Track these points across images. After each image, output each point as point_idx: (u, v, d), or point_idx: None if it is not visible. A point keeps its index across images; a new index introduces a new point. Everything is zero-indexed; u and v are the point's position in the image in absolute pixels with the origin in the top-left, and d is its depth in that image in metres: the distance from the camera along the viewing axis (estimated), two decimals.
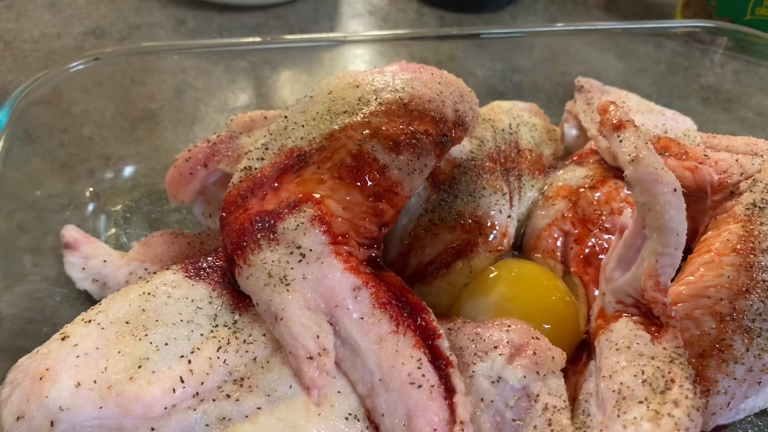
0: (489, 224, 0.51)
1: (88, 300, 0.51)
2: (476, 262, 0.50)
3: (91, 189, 0.57)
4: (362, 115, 0.46)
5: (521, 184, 0.54)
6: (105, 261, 0.51)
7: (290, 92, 0.74)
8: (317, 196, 0.43)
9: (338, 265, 0.41)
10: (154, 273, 0.50)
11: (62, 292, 0.51)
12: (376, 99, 0.48)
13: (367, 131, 0.45)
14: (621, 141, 0.43)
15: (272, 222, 0.42)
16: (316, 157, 0.45)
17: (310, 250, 0.41)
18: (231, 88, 0.72)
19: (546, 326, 0.46)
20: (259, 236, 0.42)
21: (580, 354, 0.48)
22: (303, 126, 0.47)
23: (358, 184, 0.44)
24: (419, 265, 0.50)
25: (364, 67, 0.78)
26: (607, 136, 0.45)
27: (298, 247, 0.41)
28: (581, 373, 0.46)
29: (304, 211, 0.42)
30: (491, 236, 0.51)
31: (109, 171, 0.60)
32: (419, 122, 0.47)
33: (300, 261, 0.41)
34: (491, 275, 0.49)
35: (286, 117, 0.48)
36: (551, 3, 0.91)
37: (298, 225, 0.41)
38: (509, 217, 0.52)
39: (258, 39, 0.70)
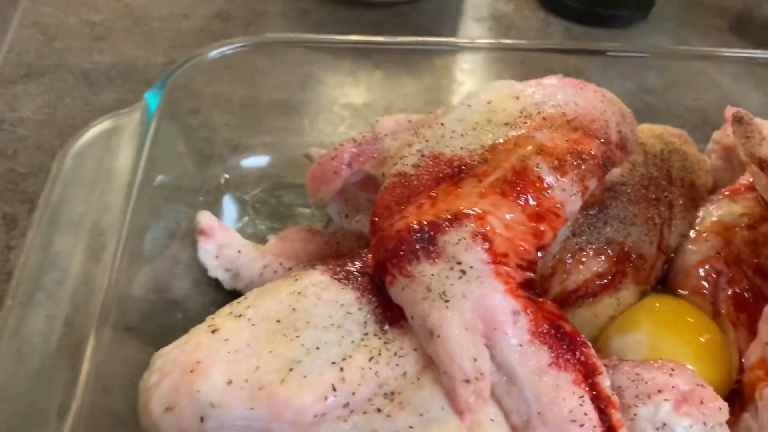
0: (639, 255, 0.48)
1: (217, 288, 0.51)
2: (623, 294, 0.47)
3: (227, 176, 0.57)
4: (525, 129, 0.45)
5: (672, 215, 0.51)
6: (240, 251, 0.50)
7: (413, 93, 0.73)
8: (479, 211, 0.41)
9: (498, 286, 0.39)
10: (289, 269, 0.49)
11: (192, 278, 0.51)
12: (538, 113, 0.46)
13: (531, 147, 0.43)
14: None
15: (432, 234, 0.40)
16: (477, 170, 0.43)
17: (471, 267, 0.39)
18: (355, 84, 0.71)
19: (698, 369, 0.43)
20: (418, 247, 0.40)
21: (730, 404, 0.45)
22: (462, 135, 0.45)
23: (521, 202, 0.42)
24: (562, 291, 0.48)
25: (489, 75, 0.76)
26: None
27: (459, 263, 0.39)
28: (733, 426, 0.43)
29: (466, 226, 0.40)
30: (640, 268, 0.48)
31: (238, 159, 0.60)
32: (584, 142, 0.45)
33: (460, 278, 0.39)
34: (641, 310, 0.47)
35: (442, 124, 0.47)
36: (682, 23, 0.88)
37: (459, 240, 0.40)
38: (659, 249, 0.50)
39: (383, 38, 0.69)
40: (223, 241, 0.51)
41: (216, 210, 0.54)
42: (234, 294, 0.50)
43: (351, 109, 0.69)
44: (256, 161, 0.60)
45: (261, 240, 0.53)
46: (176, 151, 0.52)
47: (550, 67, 0.75)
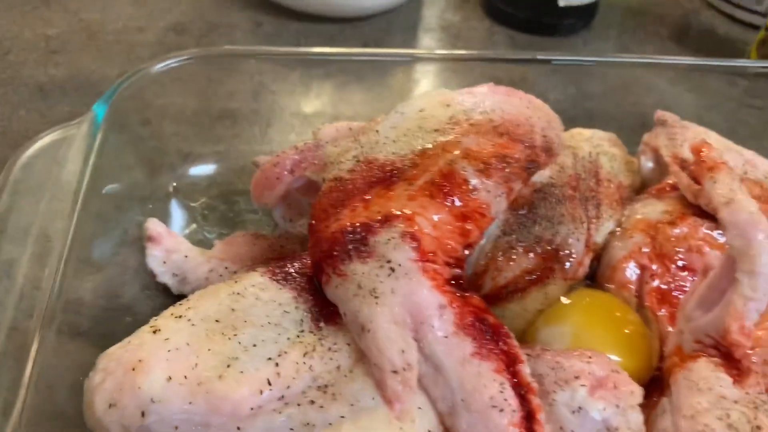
0: (566, 252, 0.51)
1: (165, 293, 0.53)
2: (551, 289, 0.50)
3: (174, 184, 0.59)
4: (453, 135, 0.47)
5: (599, 214, 0.54)
6: (186, 257, 0.52)
7: (362, 102, 0.75)
8: (408, 212, 0.43)
9: (426, 282, 0.41)
10: (235, 272, 0.51)
11: (141, 283, 0.52)
12: (467, 119, 0.48)
13: (458, 152, 0.46)
14: (715, 183, 0.43)
15: (364, 234, 0.43)
16: (408, 174, 0.45)
17: (400, 265, 0.41)
18: (306, 93, 0.73)
19: (621, 359, 0.46)
20: (350, 247, 0.42)
21: (650, 390, 0.48)
22: (394, 141, 0.48)
23: (448, 203, 0.44)
24: (494, 287, 0.50)
25: (437, 83, 0.78)
26: (700, 177, 0.45)
27: (388, 261, 0.42)
28: (652, 409, 0.46)
29: (396, 227, 0.43)
30: (567, 264, 0.51)
31: (188, 167, 0.61)
32: (509, 146, 0.47)
33: (389, 275, 0.41)
34: (567, 303, 0.49)
35: (377, 131, 0.49)
36: (623, 31, 0.91)
37: (389, 239, 0.42)
38: (586, 246, 0.52)
39: (335, 50, 0.72)
40: (171, 246, 0.52)
41: (164, 217, 0.55)
42: (182, 298, 0.52)
43: (301, 118, 0.71)
44: (205, 169, 0.62)
45: (209, 246, 0.55)
46: (125, 161, 0.54)
47: (496, 75, 0.78)
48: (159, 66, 0.56)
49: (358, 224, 0.43)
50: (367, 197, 0.45)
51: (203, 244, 0.56)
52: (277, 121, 0.70)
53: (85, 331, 0.47)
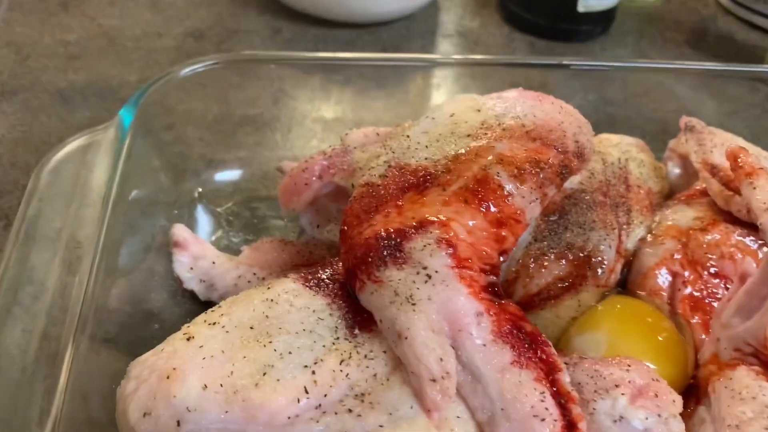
0: (598, 259, 0.51)
1: (193, 299, 0.52)
2: (584, 296, 0.49)
3: (200, 189, 0.58)
4: (486, 140, 0.47)
5: (630, 220, 0.54)
6: (214, 263, 0.51)
7: (382, 107, 0.75)
8: (443, 218, 0.43)
9: (462, 289, 0.41)
10: (263, 278, 0.51)
11: (168, 290, 0.52)
12: (499, 124, 0.48)
13: (492, 157, 0.46)
14: (755, 188, 0.43)
15: (399, 240, 0.42)
16: (441, 179, 0.45)
17: (436, 271, 0.41)
18: (326, 99, 0.73)
19: (657, 366, 0.45)
20: (385, 253, 0.42)
21: (685, 398, 0.47)
22: (427, 147, 0.47)
23: (483, 209, 0.44)
24: (526, 294, 0.50)
25: (457, 88, 0.78)
26: (738, 182, 0.44)
27: (425, 268, 0.41)
28: (688, 418, 0.45)
29: (431, 233, 0.42)
30: (599, 271, 0.50)
31: (212, 173, 0.61)
32: (542, 151, 0.47)
33: (426, 282, 0.41)
34: (601, 310, 0.49)
35: (408, 136, 0.49)
36: (642, 37, 0.91)
37: (425, 246, 0.42)
38: (617, 252, 0.52)
39: (354, 55, 0.72)
40: (198, 253, 0.52)
41: (190, 223, 0.55)
42: (209, 305, 0.51)
43: (322, 123, 0.71)
44: (229, 175, 0.62)
45: (235, 252, 0.55)
46: (151, 166, 0.54)
47: (515, 81, 0.78)
48: (184, 71, 0.56)
49: (392, 230, 0.43)
50: (400, 203, 0.44)
51: (228, 249, 0.56)
52: (297, 127, 0.70)
53: (113, 337, 0.47)
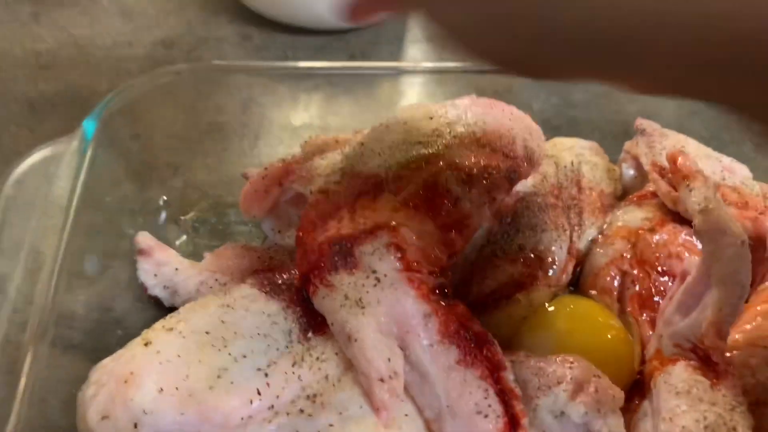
0: (550, 259, 0.52)
1: (157, 305, 0.53)
2: (536, 296, 0.51)
3: (165, 197, 0.59)
4: (437, 147, 0.48)
5: (581, 222, 0.55)
6: (177, 269, 0.53)
7: (350, 114, 0.76)
8: (393, 223, 0.44)
9: (411, 291, 0.42)
10: (224, 284, 0.52)
11: (132, 296, 0.53)
12: (449, 132, 0.49)
13: (442, 163, 0.47)
14: (691, 191, 0.45)
15: (350, 246, 0.44)
16: (392, 186, 0.46)
17: (385, 275, 0.43)
18: (294, 106, 0.74)
19: (603, 363, 0.47)
20: (336, 258, 0.43)
21: (632, 393, 0.49)
22: (379, 154, 0.49)
23: (432, 214, 0.45)
24: (479, 295, 0.51)
25: (423, 94, 0.80)
26: (676, 185, 0.46)
27: (374, 272, 0.43)
28: (634, 412, 0.47)
29: (381, 238, 0.44)
30: (551, 271, 0.52)
31: (178, 180, 0.62)
32: (491, 157, 0.49)
33: (375, 285, 0.42)
34: (551, 310, 0.50)
35: (362, 144, 0.50)
36: None
37: (374, 250, 0.43)
38: (569, 253, 0.54)
39: (323, 64, 0.73)
40: (161, 259, 0.53)
41: (155, 231, 0.56)
42: (173, 310, 0.53)
43: (289, 130, 0.72)
44: (196, 182, 0.63)
45: (200, 258, 0.56)
46: (115, 176, 0.55)
47: (481, 86, 0.79)
48: (147, 81, 0.57)
49: (344, 235, 0.44)
50: (353, 209, 0.46)
51: (194, 256, 0.57)
52: (265, 134, 0.71)
53: (78, 344, 0.48)
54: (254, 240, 0.60)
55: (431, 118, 0.51)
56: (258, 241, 0.60)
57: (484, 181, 0.47)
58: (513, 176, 0.49)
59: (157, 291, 0.53)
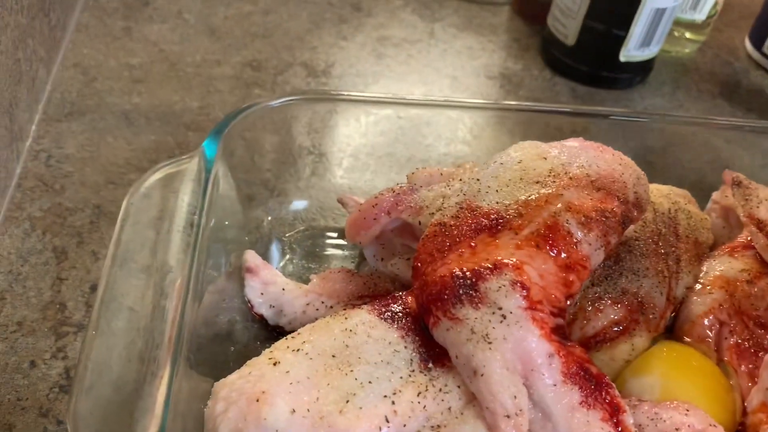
0: (651, 305, 0.53)
1: (261, 323, 0.54)
2: (637, 340, 0.52)
3: (269, 218, 0.61)
4: (554, 187, 0.49)
5: (679, 269, 0.56)
6: (283, 289, 0.54)
7: (432, 145, 0.78)
8: (516, 261, 0.45)
9: (535, 330, 0.43)
10: (330, 307, 0.53)
11: (238, 314, 0.54)
12: (565, 173, 0.50)
13: (561, 204, 0.48)
14: None
15: (474, 280, 0.45)
16: (513, 223, 0.47)
17: (511, 312, 0.43)
18: (378, 134, 0.76)
19: (709, 412, 0.47)
20: (461, 292, 0.44)
21: None
22: (497, 191, 0.50)
23: (553, 254, 0.46)
24: (582, 336, 0.52)
25: (503, 130, 0.81)
26: None
27: (500, 308, 0.43)
28: None
29: (506, 275, 0.45)
30: (652, 316, 0.53)
31: (280, 203, 0.64)
32: (606, 201, 0.50)
33: (501, 322, 0.43)
34: (653, 355, 0.51)
35: (478, 180, 0.51)
36: (678, 87, 0.94)
37: (500, 287, 0.44)
38: (668, 299, 0.54)
39: (406, 97, 0.75)
40: (268, 279, 0.54)
41: (261, 250, 0.57)
42: (276, 329, 0.54)
43: (375, 158, 0.74)
44: (292, 205, 0.64)
45: (299, 278, 0.57)
46: (226, 195, 0.56)
47: (559, 126, 0.81)
48: (266, 104, 0.59)
49: (467, 270, 0.45)
50: (474, 244, 0.47)
51: (294, 276, 0.58)
52: (353, 161, 0.72)
53: (192, 359, 0.49)
54: (348, 264, 0.62)
55: (545, 159, 0.52)
56: (351, 265, 0.61)
57: (602, 225, 0.48)
58: (626, 221, 0.50)
59: (263, 309, 0.54)
